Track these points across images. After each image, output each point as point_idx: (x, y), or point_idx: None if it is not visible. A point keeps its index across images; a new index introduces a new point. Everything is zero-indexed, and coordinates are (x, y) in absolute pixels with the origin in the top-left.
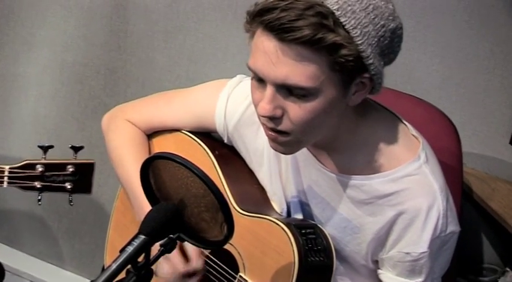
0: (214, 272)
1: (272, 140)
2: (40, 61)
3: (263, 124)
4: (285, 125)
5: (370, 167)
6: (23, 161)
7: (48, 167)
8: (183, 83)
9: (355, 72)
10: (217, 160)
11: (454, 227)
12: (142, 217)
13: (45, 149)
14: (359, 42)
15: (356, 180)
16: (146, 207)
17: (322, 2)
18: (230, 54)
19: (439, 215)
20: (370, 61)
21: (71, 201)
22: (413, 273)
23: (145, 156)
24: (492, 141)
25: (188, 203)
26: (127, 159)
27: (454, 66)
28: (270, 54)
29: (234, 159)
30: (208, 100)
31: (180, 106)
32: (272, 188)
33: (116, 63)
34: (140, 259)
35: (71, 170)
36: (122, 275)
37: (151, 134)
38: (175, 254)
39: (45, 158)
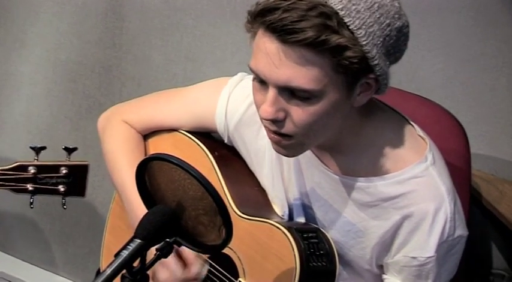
0: (213, 277)
1: (275, 143)
2: (32, 59)
3: (265, 127)
4: (287, 128)
5: (375, 169)
6: (15, 163)
7: (40, 168)
8: (180, 82)
9: (360, 73)
10: (216, 161)
11: (461, 230)
12: (136, 223)
13: (37, 150)
14: (364, 42)
15: (361, 182)
16: (140, 212)
17: (326, 2)
18: (229, 52)
19: (447, 219)
20: (376, 62)
21: (64, 204)
22: (419, 278)
23: (141, 160)
24: (499, 142)
25: (185, 206)
26: (121, 163)
27: (460, 65)
28: (272, 56)
29: (234, 161)
30: (209, 99)
31: (179, 105)
32: (273, 190)
33: (111, 61)
34: (136, 264)
35: (64, 172)
36: (117, 280)
37: (148, 134)
38: (172, 260)
39: (37, 160)
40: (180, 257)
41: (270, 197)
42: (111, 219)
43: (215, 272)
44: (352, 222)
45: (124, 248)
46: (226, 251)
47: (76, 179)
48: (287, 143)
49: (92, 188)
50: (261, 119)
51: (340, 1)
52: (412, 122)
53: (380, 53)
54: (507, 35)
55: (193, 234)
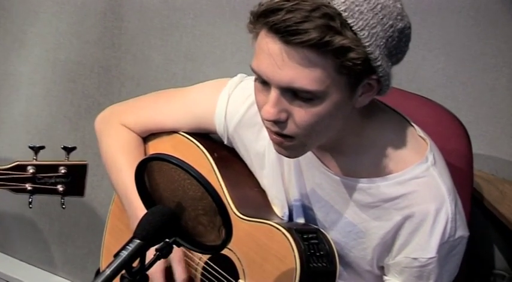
0: (212, 278)
1: (276, 144)
2: (31, 59)
3: (267, 128)
4: (289, 129)
5: (376, 170)
6: (14, 162)
7: (39, 168)
8: (179, 82)
9: (362, 74)
10: (216, 163)
11: (463, 231)
12: (135, 224)
13: (36, 149)
14: (367, 44)
15: (362, 183)
16: (140, 213)
17: (329, 3)
18: (229, 52)
19: (448, 219)
20: (378, 63)
21: (63, 204)
22: (420, 280)
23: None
24: (500, 142)
25: (185, 206)
26: (121, 164)
27: (460, 65)
28: (275, 57)
29: (233, 162)
30: (208, 100)
31: (178, 106)
32: (273, 191)
33: (110, 61)
34: (135, 264)
35: (63, 171)
36: (117, 280)
37: (147, 136)
38: (160, 277)
39: (36, 159)
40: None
41: (269, 198)
42: (110, 220)
43: (215, 273)
44: (353, 223)
45: (123, 248)
46: (226, 252)
47: (75, 179)
48: (289, 144)
49: (91, 188)
50: (263, 120)
51: (344, 2)
52: (412, 123)
53: (383, 54)
54: (507, 34)
55: (192, 235)
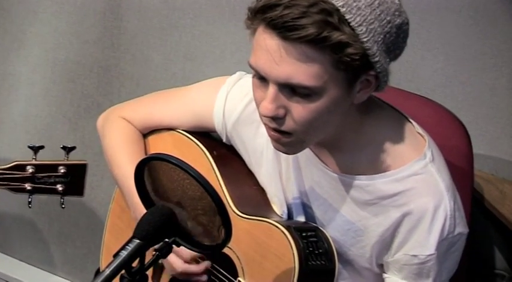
0: (212, 277)
1: (274, 141)
2: (31, 59)
3: (265, 124)
4: (287, 125)
5: (374, 167)
6: (13, 162)
7: (38, 168)
8: (178, 82)
9: (360, 70)
10: (215, 161)
11: (462, 228)
12: (138, 216)
13: (35, 149)
14: (365, 39)
15: (359, 180)
16: (142, 208)
17: None
18: (228, 51)
19: (446, 216)
20: (376, 59)
21: (62, 203)
22: (420, 277)
23: (141, 155)
24: (499, 142)
25: (184, 206)
26: (122, 159)
27: (460, 65)
28: (272, 52)
29: (232, 160)
30: (207, 98)
31: (177, 105)
32: (272, 189)
33: (110, 61)
34: (135, 264)
35: (62, 171)
36: (116, 280)
37: (147, 134)
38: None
39: (35, 159)
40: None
41: (268, 196)
42: (110, 219)
43: (214, 271)
44: (351, 221)
45: (123, 248)
46: (225, 250)
47: (74, 178)
48: (287, 140)
49: (91, 188)
50: (261, 116)
51: None
52: (411, 120)
53: (380, 50)
54: (507, 34)
55: (192, 234)
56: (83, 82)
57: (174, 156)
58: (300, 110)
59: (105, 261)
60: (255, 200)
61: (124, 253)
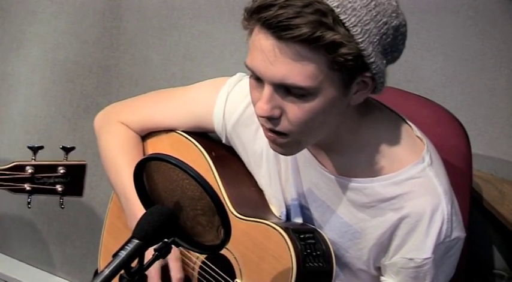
0: (209, 278)
1: (271, 141)
2: (30, 59)
3: (262, 125)
4: (283, 126)
5: (372, 169)
6: (12, 163)
7: (38, 168)
8: (178, 82)
9: (355, 71)
10: (213, 162)
11: (459, 232)
12: (134, 223)
13: (35, 149)
14: (359, 40)
15: (357, 182)
16: (139, 212)
17: None
18: (227, 51)
19: (443, 220)
20: (372, 60)
21: (62, 204)
22: (416, 280)
23: (139, 159)
24: (498, 142)
25: (183, 206)
26: (120, 164)
27: (459, 65)
28: (267, 52)
29: (231, 161)
30: (207, 99)
31: (177, 105)
32: (271, 190)
33: (109, 61)
34: (134, 264)
35: (61, 171)
36: (116, 280)
37: (146, 135)
38: (155, 276)
39: (35, 159)
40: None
41: (267, 197)
42: (109, 219)
43: (212, 272)
44: (349, 223)
45: (122, 248)
46: (223, 251)
47: (74, 179)
48: (283, 141)
49: (90, 188)
50: (257, 116)
51: None
52: (409, 122)
53: (376, 51)
54: (506, 34)
55: (191, 235)
56: (82, 82)
57: (173, 156)
58: (295, 111)
59: (104, 261)
60: (253, 201)
61: (123, 253)
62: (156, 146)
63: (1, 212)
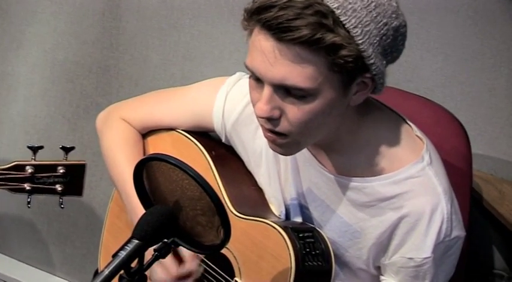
0: (209, 276)
1: (270, 142)
2: (29, 59)
3: (261, 125)
4: (282, 127)
5: (372, 169)
6: (12, 162)
7: (38, 168)
8: (177, 82)
9: (355, 72)
10: (213, 161)
11: (459, 231)
12: (135, 219)
13: (34, 149)
14: (359, 41)
15: (357, 182)
16: (140, 209)
17: (322, 0)
18: (227, 52)
19: (443, 219)
20: (372, 61)
21: (61, 203)
22: (416, 279)
23: (140, 156)
24: (498, 142)
25: (183, 206)
26: (120, 160)
27: (459, 65)
28: (267, 54)
29: (231, 160)
30: (206, 98)
31: (177, 104)
32: (270, 189)
33: (109, 61)
34: (133, 264)
35: (61, 171)
36: (115, 280)
37: (146, 134)
38: (168, 257)
39: (34, 159)
40: (176, 254)
41: (267, 196)
42: (109, 218)
43: (211, 271)
44: (348, 223)
45: (122, 248)
46: (222, 250)
47: (73, 179)
48: (282, 141)
49: (90, 188)
50: (257, 116)
51: None
52: (409, 122)
53: (376, 52)
54: (506, 34)
55: (191, 235)
56: (81, 82)
57: (172, 156)
58: (294, 112)
59: (104, 261)
60: (253, 201)
61: (123, 253)
62: (157, 144)
63: (1, 212)
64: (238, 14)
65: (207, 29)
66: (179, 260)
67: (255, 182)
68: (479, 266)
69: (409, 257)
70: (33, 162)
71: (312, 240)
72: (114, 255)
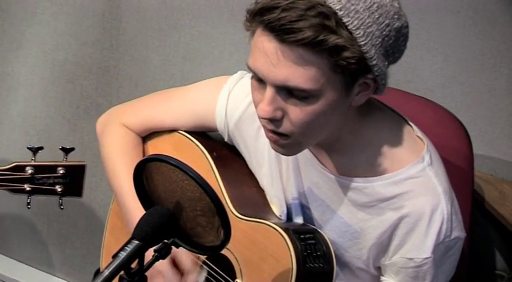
0: (210, 278)
1: (272, 142)
2: (29, 60)
3: (263, 126)
4: (285, 127)
5: (372, 169)
6: (12, 163)
7: (37, 169)
8: (177, 82)
9: (358, 73)
10: (214, 162)
11: (459, 232)
12: (131, 228)
13: (34, 150)
14: (362, 43)
15: (357, 182)
16: (135, 218)
17: (325, 2)
18: (227, 52)
19: (443, 219)
20: (374, 62)
21: (61, 204)
22: (416, 280)
23: (138, 160)
24: (498, 142)
25: (183, 207)
26: (119, 167)
27: (459, 65)
28: (270, 55)
29: (232, 161)
30: (209, 97)
31: (178, 105)
32: (272, 189)
33: (109, 62)
34: (134, 265)
35: (61, 172)
36: (115, 281)
37: (147, 136)
38: (169, 268)
39: (34, 160)
40: (176, 265)
41: (268, 196)
42: (111, 219)
43: (212, 272)
44: (348, 223)
45: (122, 249)
46: (223, 251)
47: (73, 179)
48: (284, 142)
49: (90, 189)
50: (259, 117)
51: (339, 1)
52: (410, 123)
53: (378, 54)
54: (506, 35)
55: (191, 235)
56: (81, 83)
57: (172, 157)
58: (297, 113)
59: (105, 263)
60: (254, 202)
61: (123, 254)
62: (158, 146)
63: (1, 213)
64: (238, 15)
65: (207, 29)
66: (179, 271)
67: (257, 182)
68: (479, 267)
69: (409, 257)
70: (33, 163)
71: (313, 241)
72: (114, 256)
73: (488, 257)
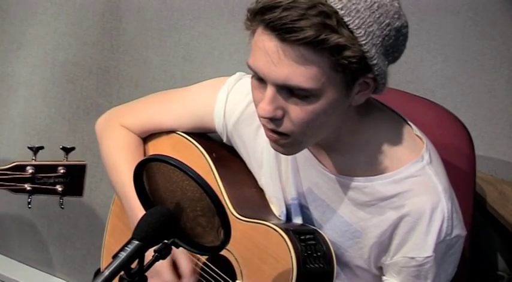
0: (210, 279)
1: (272, 141)
2: (30, 60)
3: (263, 125)
4: (285, 127)
5: (372, 168)
6: (13, 163)
7: (38, 168)
8: (177, 83)
9: (358, 72)
10: (214, 163)
11: (459, 230)
12: (135, 222)
13: (35, 150)
14: (363, 42)
15: (357, 181)
16: (140, 214)
17: (326, 1)
18: (227, 53)
19: (444, 218)
20: (374, 61)
21: (62, 204)
22: (418, 279)
23: (140, 159)
24: (498, 143)
25: (183, 207)
26: (121, 165)
27: (459, 66)
28: (271, 54)
29: (232, 162)
30: (207, 98)
31: (177, 106)
32: (271, 189)
33: (109, 62)
34: (134, 265)
35: (62, 171)
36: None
37: (146, 137)
38: (168, 271)
39: (35, 160)
40: (175, 269)
41: (267, 196)
42: (111, 221)
43: (213, 273)
44: (349, 222)
45: (122, 249)
46: (223, 252)
47: (74, 179)
48: (284, 141)
49: (90, 189)
50: (259, 117)
51: (340, 0)
52: (409, 122)
53: (379, 53)
54: (506, 35)
55: (191, 236)
56: (82, 83)
57: (172, 157)
58: (297, 112)
59: (106, 263)
60: (254, 202)
61: (123, 254)
62: (157, 147)
63: (1, 213)
64: (239, 15)
65: (207, 30)
66: (178, 275)
67: (256, 183)
68: (480, 268)
69: (411, 256)
70: (33, 162)
71: (314, 242)
72: (115, 256)
73: (488, 258)
